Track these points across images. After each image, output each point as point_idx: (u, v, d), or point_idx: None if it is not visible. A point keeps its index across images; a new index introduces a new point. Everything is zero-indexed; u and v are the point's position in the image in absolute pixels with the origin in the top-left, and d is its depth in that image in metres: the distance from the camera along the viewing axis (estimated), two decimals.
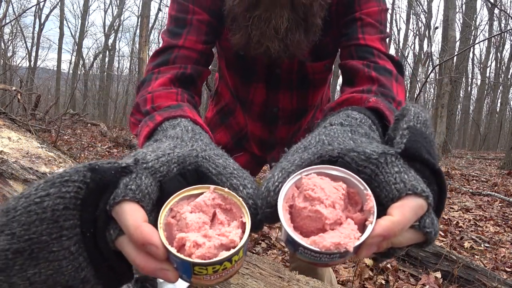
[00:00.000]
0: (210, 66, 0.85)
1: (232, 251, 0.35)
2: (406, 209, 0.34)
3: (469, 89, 23.61)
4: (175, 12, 0.81)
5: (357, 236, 0.34)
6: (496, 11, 15.60)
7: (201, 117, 0.64)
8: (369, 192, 0.36)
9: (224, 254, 0.35)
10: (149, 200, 0.37)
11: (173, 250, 0.34)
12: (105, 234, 0.36)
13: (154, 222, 0.36)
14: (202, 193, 0.39)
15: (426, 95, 23.14)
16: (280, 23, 0.67)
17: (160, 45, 0.81)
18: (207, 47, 0.80)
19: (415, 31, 20.20)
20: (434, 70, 10.40)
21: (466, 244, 2.90)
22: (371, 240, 0.33)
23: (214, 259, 0.34)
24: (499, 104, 21.70)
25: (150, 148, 0.44)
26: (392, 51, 21.43)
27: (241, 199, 0.39)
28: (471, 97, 24.20)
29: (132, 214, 0.34)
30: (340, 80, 0.90)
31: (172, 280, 0.35)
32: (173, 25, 0.80)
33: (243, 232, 0.37)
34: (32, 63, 20.05)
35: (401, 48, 19.32)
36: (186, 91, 0.71)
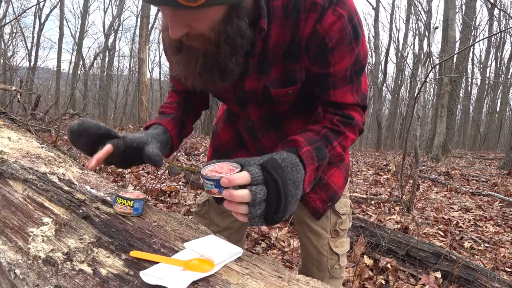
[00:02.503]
0: None
1: None
2: (241, 173, 0.69)
3: (469, 89, 23.63)
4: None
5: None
6: (496, 11, 15.59)
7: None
8: (239, 168, 0.72)
9: None
10: (117, 149, 0.86)
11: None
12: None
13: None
14: None
15: (426, 95, 23.13)
16: (195, 66, 0.77)
17: (172, 86, 1.13)
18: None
19: (414, 31, 20.20)
20: (433, 70, 10.41)
21: (466, 244, 2.90)
22: (223, 179, 0.68)
23: None
24: (499, 104, 21.71)
25: (131, 134, 0.93)
26: (392, 51, 21.47)
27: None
28: (471, 97, 24.21)
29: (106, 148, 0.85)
30: None
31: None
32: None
33: None
34: (32, 63, 20.07)
35: (400, 48, 19.33)
36: (183, 114, 1.08)
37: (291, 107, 0.98)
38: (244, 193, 0.67)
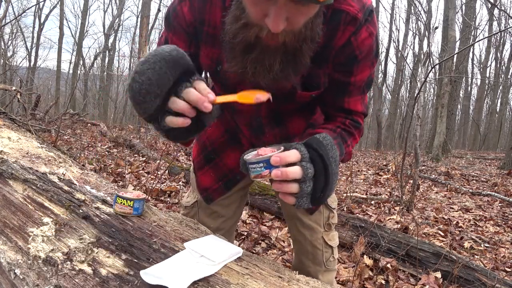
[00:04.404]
0: None
1: None
2: (291, 151, 0.69)
3: (469, 89, 23.64)
4: (165, 34, 0.96)
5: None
6: (496, 11, 15.59)
7: None
8: (282, 148, 0.70)
9: None
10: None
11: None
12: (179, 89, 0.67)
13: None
14: None
15: (426, 95, 23.10)
16: (273, 64, 0.74)
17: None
18: None
19: (414, 31, 20.19)
20: (433, 70, 10.41)
21: (466, 244, 2.90)
22: (274, 158, 0.66)
23: None
24: (499, 104, 21.71)
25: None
26: (392, 51, 21.47)
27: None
28: (471, 97, 24.22)
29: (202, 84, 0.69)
30: None
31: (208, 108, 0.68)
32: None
33: None
34: (32, 63, 20.07)
35: (400, 48, 19.33)
36: None
37: (295, 106, 1.00)
38: (296, 169, 0.67)
